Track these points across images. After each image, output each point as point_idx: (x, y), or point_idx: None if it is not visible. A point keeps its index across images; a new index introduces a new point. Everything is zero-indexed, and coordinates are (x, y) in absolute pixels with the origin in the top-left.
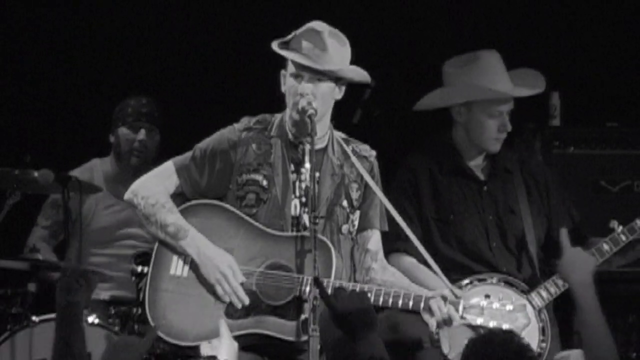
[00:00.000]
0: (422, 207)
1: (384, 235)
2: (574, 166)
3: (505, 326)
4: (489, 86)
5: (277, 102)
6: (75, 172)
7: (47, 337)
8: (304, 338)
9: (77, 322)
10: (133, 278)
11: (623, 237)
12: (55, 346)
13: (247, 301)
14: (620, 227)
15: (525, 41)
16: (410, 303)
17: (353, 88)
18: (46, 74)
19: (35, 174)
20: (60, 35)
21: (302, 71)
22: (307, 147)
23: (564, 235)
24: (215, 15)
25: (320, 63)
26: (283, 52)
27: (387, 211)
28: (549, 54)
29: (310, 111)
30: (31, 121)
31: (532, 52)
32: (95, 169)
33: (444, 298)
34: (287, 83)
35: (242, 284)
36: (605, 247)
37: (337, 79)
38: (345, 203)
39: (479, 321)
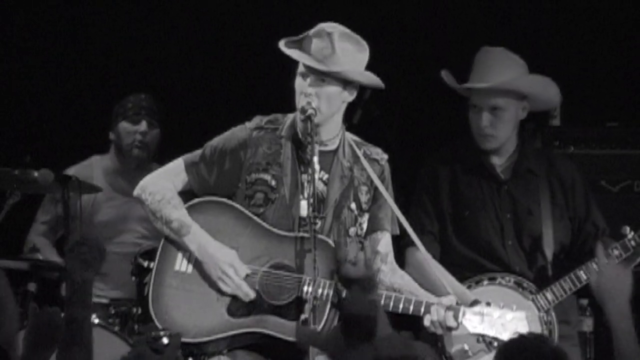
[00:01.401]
0: (440, 203)
1: (395, 235)
2: None
3: (504, 335)
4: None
5: (279, 101)
6: (74, 169)
7: None
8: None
9: (90, 300)
10: (133, 278)
11: (633, 243)
12: (67, 326)
13: (252, 295)
14: (632, 233)
15: (525, 41)
16: (411, 308)
17: None
18: (46, 74)
19: (35, 174)
20: (60, 34)
21: (308, 71)
22: (317, 148)
23: (600, 252)
24: (216, 14)
25: (326, 64)
26: (287, 51)
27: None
28: (549, 54)
29: (310, 111)
30: (31, 121)
31: (532, 52)
32: (94, 165)
33: (445, 306)
34: (296, 82)
35: (245, 280)
36: (615, 252)
37: (345, 82)
38: (353, 205)
39: (479, 329)
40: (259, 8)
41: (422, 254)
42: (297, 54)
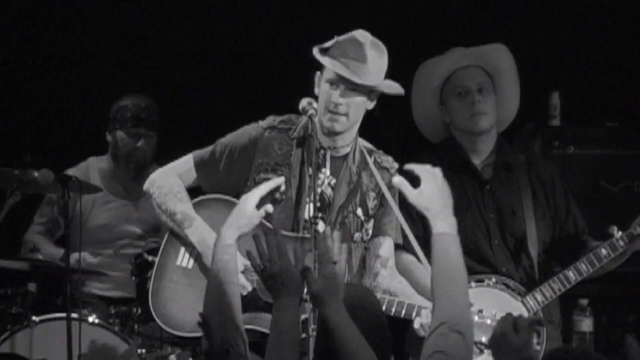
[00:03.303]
0: None
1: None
2: (574, 166)
3: None
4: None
5: (283, 101)
6: (71, 171)
7: (47, 337)
8: (302, 337)
9: None
10: (133, 278)
11: (621, 243)
12: None
13: (249, 287)
14: (620, 233)
15: (526, 41)
16: (403, 311)
17: None
18: (46, 73)
19: (35, 174)
20: (60, 34)
21: (339, 81)
22: (329, 153)
23: None
24: (217, 13)
25: (359, 75)
26: (323, 61)
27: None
28: (549, 54)
29: (311, 111)
30: (31, 121)
31: (532, 51)
32: (91, 168)
33: None
34: (323, 87)
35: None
36: (604, 252)
37: (370, 91)
38: (360, 211)
39: None
40: (264, 9)
41: (408, 256)
42: (334, 64)
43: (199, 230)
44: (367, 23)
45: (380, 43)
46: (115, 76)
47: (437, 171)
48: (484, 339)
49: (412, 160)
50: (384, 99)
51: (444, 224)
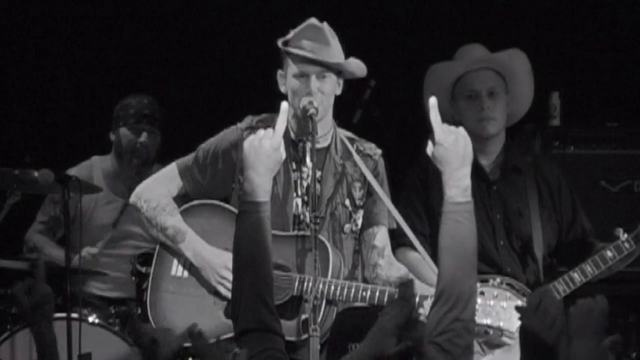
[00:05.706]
0: (430, 204)
1: (391, 230)
2: (574, 166)
3: (500, 324)
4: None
5: (278, 101)
6: (74, 170)
7: None
8: (303, 337)
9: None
10: (133, 278)
11: (627, 245)
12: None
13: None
14: (625, 235)
15: (526, 41)
16: None
17: (353, 87)
18: (46, 73)
19: (35, 174)
20: (60, 34)
21: (308, 68)
22: (308, 145)
23: None
24: (216, 13)
25: (328, 57)
26: (291, 51)
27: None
28: (549, 54)
29: (311, 110)
30: (31, 121)
31: (532, 52)
32: (94, 167)
33: None
34: (290, 84)
35: None
36: (609, 254)
37: (338, 74)
38: (347, 202)
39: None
40: (259, 10)
41: (413, 254)
42: (302, 52)
43: (192, 244)
44: (371, 24)
45: (330, 28)
46: (115, 76)
47: (460, 133)
48: (488, 321)
49: (420, 159)
50: (384, 99)
51: (455, 191)
